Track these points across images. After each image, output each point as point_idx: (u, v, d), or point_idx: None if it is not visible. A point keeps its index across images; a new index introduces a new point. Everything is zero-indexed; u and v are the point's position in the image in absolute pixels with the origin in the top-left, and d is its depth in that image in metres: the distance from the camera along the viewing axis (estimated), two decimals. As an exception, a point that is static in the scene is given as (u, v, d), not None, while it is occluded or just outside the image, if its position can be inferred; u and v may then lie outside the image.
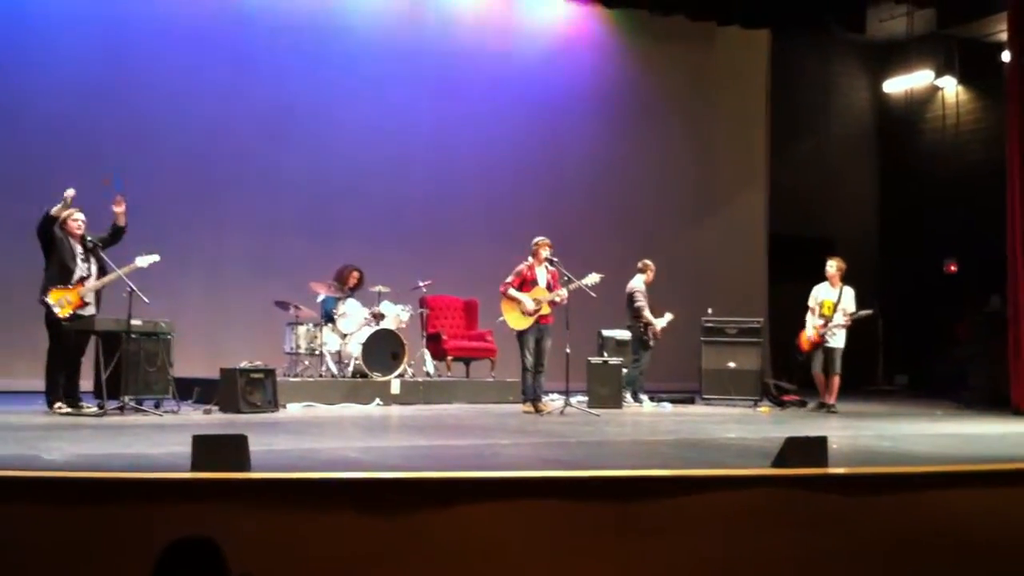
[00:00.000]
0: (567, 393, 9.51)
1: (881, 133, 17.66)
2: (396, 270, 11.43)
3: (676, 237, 14.82)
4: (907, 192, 16.79)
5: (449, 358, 11.44)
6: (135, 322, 8.29)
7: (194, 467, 3.94)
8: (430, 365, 11.18)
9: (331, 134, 12.84)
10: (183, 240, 11.41)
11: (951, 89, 16.41)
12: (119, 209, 8.35)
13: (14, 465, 4.30)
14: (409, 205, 13.26)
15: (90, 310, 8.27)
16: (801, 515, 4.30)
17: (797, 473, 4.44)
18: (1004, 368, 10.91)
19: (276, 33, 12.75)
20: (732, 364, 11.32)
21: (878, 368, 16.40)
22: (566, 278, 9.60)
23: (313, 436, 6.81)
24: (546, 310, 9.59)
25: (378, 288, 10.89)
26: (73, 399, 8.16)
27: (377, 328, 10.51)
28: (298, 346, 10.38)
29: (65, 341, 8.14)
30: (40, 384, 8.33)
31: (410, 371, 10.79)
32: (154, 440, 6.11)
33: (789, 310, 11.64)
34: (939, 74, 16.38)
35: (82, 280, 8.19)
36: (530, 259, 9.73)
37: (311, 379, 10.25)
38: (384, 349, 10.47)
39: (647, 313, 10.98)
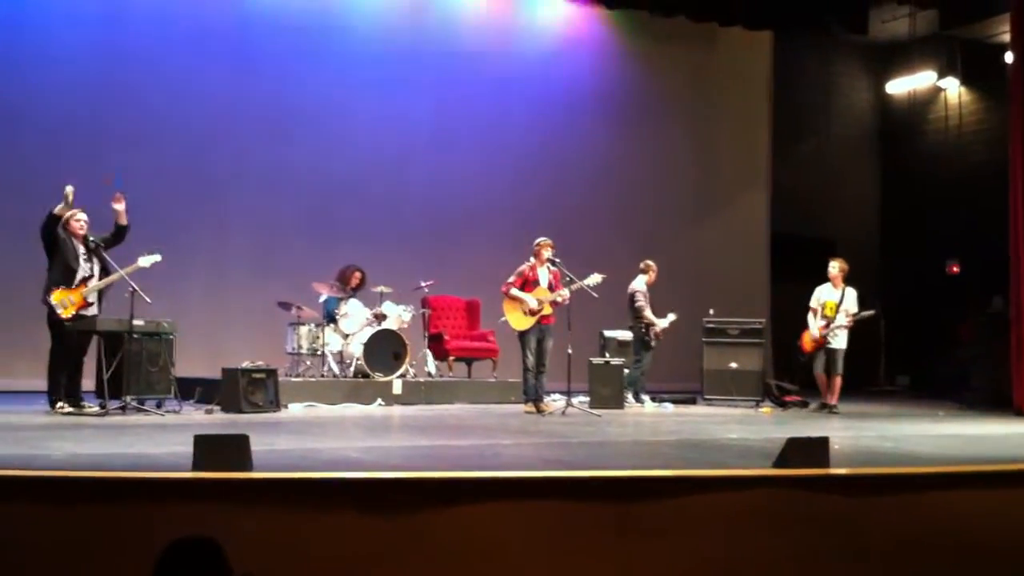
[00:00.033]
0: (569, 393, 9.51)
1: (883, 134, 17.65)
2: (398, 270, 11.44)
3: (677, 238, 14.81)
4: (909, 193, 16.78)
5: (451, 358, 11.44)
6: (137, 322, 8.28)
7: (196, 467, 3.94)
8: (432, 365, 11.18)
9: (333, 134, 12.84)
10: (185, 240, 11.41)
11: (953, 90, 16.41)
12: (119, 207, 8.34)
13: (16, 464, 4.30)
14: (411, 205, 13.27)
15: (93, 310, 8.27)
16: (803, 516, 4.30)
17: (799, 474, 4.44)
18: (1006, 369, 10.91)
19: (278, 34, 12.75)
20: (734, 364, 11.32)
21: (880, 369, 16.38)
22: (568, 278, 9.60)
23: (315, 436, 6.81)
24: (548, 310, 9.59)
25: (380, 288, 10.89)
26: (75, 399, 8.17)
27: (379, 328, 10.52)
28: (300, 346, 10.38)
29: (67, 341, 8.15)
30: (42, 384, 8.34)
31: (412, 371, 10.79)
32: (156, 440, 6.11)
33: (790, 311, 11.64)
34: (942, 75, 16.37)
35: (85, 280, 8.20)
36: (532, 259, 9.73)
37: (313, 379, 10.26)
38: (386, 349, 10.47)
39: (648, 313, 10.98)
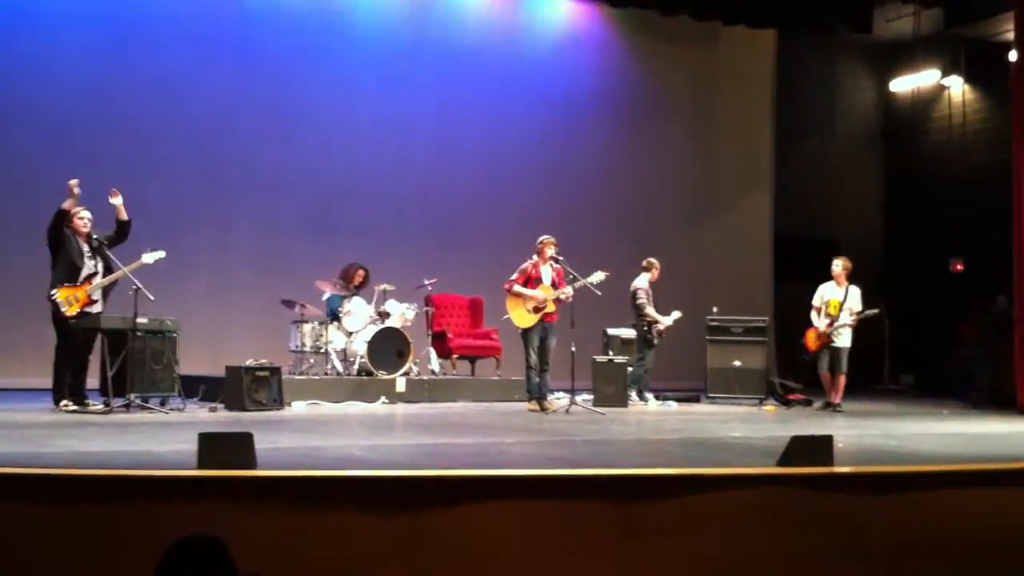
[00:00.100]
0: (572, 391, 9.50)
1: (887, 133, 17.64)
2: (401, 268, 11.45)
3: (680, 236, 14.81)
4: (913, 192, 16.76)
5: (454, 356, 11.44)
6: (141, 320, 8.29)
7: (200, 465, 3.94)
8: (435, 363, 11.18)
9: (336, 133, 12.86)
10: (188, 238, 11.44)
11: (958, 89, 16.39)
12: (116, 201, 8.35)
13: (21, 462, 4.31)
14: (414, 204, 13.28)
15: (97, 307, 8.30)
16: (806, 515, 4.30)
17: (802, 472, 4.44)
18: (1010, 368, 10.89)
19: (280, 33, 12.77)
20: (737, 363, 11.33)
21: (884, 368, 16.37)
22: (571, 276, 9.60)
23: (318, 434, 6.82)
24: (551, 308, 9.59)
25: (383, 286, 10.90)
26: (79, 397, 8.19)
27: (382, 326, 10.52)
28: (303, 344, 10.38)
29: (72, 339, 8.17)
30: (46, 382, 8.35)
31: (415, 369, 10.79)
32: (160, 438, 6.12)
33: (794, 309, 11.64)
34: (946, 74, 16.36)
35: (89, 278, 8.22)
36: (535, 257, 9.73)
37: (316, 377, 10.27)
38: (389, 347, 10.48)
39: (650, 310, 10.98)
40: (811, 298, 10.62)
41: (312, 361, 10.48)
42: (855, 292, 10.46)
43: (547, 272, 9.67)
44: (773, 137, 15.95)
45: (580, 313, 9.50)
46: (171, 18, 12.17)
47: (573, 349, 9.32)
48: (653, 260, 11.23)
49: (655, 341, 11.06)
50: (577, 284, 9.55)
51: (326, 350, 10.42)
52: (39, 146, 11.20)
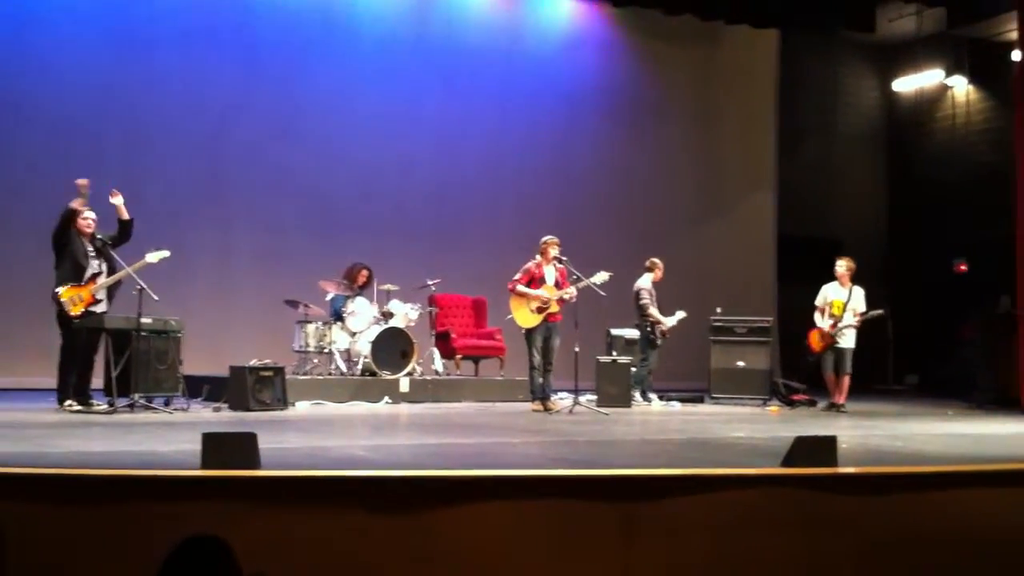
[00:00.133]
0: (576, 392, 9.50)
1: (890, 133, 17.62)
2: (405, 269, 11.45)
3: (684, 237, 14.81)
4: (916, 192, 16.74)
5: (458, 356, 11.44)
6: (145, 320, 8.30)
7: (204, 465, 3.94)
8: (439, 363, 11.18)
9: (339, 133, 12.86)
10: (192, 238, 11.45)
11: (961, 88, 16.37)
12: (116, 200, 8.36)
13: (25, 462, 4.31)
14: (417, 204, 13.28)
15: (102, 307, 8.31)
16: (810, 515, 4.29)
17: (806, 473, 4.43)
18: (1014, 369, 10.88)
19: (283, 32, 12.78)
20: (741, 363, 11.32)
21: (888, 368, 16.35)
22: (575, 276, 9.60)
23: (322, 434, 6.82)
24: (555, 308, 9.59)
25: (387, 286, 10.90)
26: (84, 397, 8.20)
27: (386, 326, 10.52)
28: (307, 344, 10.39)
29: (77, 339, 8.18)
30: (49, 382, 8.37)
31: (419, 369, 10.79)
32: (164, 438, 6.12)
33: (797, 310, 11.64)
34: (949, 73, 16.34)
35: (94, 278, 8.24)
36: (538, 257, 9.73)
37: (320, 377, 10.27)
38: (393, 347, 10.48)
39: (652, 310, 10.97)
40: (814, 298, 10.61)
41: (316, 361, 10.48)
42: (859, 293, 10.44)
43: (551, 272, 9.67)
44: (776, 137, 15.93)
45: (583, 313, 9.49)
46: (173, 18, 12.17)
47: (577, 349, 9.32)
48: (656, 260, 11.22)
49: (659, 341, 11.06)
50: (580, 284, 9.55)
51: (330, 350, 10.42)
52: (41, 146, 11.22)
